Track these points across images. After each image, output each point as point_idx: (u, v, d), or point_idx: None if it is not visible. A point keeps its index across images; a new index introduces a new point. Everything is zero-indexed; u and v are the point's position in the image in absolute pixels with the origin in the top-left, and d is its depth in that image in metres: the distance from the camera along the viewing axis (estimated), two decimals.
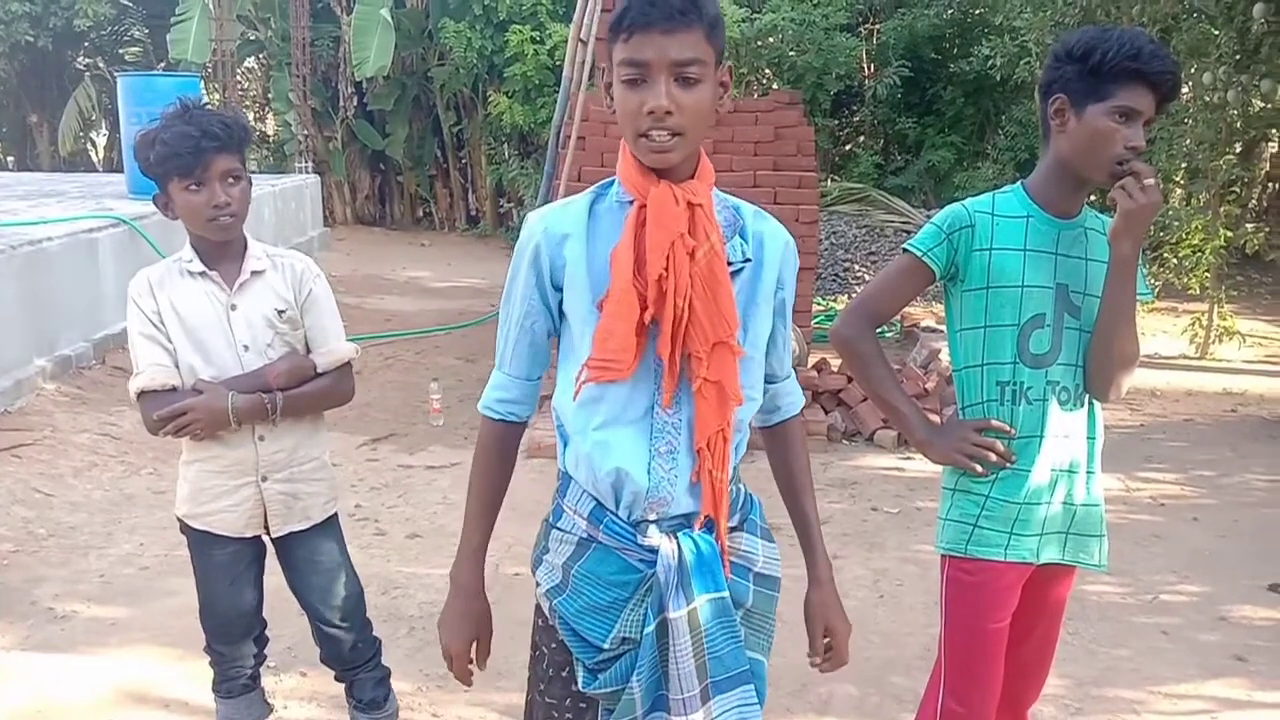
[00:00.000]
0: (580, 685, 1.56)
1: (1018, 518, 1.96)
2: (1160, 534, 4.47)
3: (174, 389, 2.17)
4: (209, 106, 2.20)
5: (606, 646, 1.54)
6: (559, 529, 1.60)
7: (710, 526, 1.55)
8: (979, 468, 1.95)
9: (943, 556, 2.04)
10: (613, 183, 1.56)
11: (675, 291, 1.44)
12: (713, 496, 1.53)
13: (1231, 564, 4.17)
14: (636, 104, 1.42)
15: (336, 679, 2.53)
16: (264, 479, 2.26)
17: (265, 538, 2.37)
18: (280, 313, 2.24)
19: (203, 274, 2.21)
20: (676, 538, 1.53)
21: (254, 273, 2.24)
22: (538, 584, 1.63)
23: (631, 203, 1.50)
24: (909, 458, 5.38)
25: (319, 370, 2.28)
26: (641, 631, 1.52)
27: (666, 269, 1.44)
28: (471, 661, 1.68)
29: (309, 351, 2.30)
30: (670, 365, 1.48)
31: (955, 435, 1.98)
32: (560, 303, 1.55)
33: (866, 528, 4.46)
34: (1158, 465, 5.45)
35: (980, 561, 1.97)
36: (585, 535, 1.56)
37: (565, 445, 1.60)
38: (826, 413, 5.80)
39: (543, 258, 1.53)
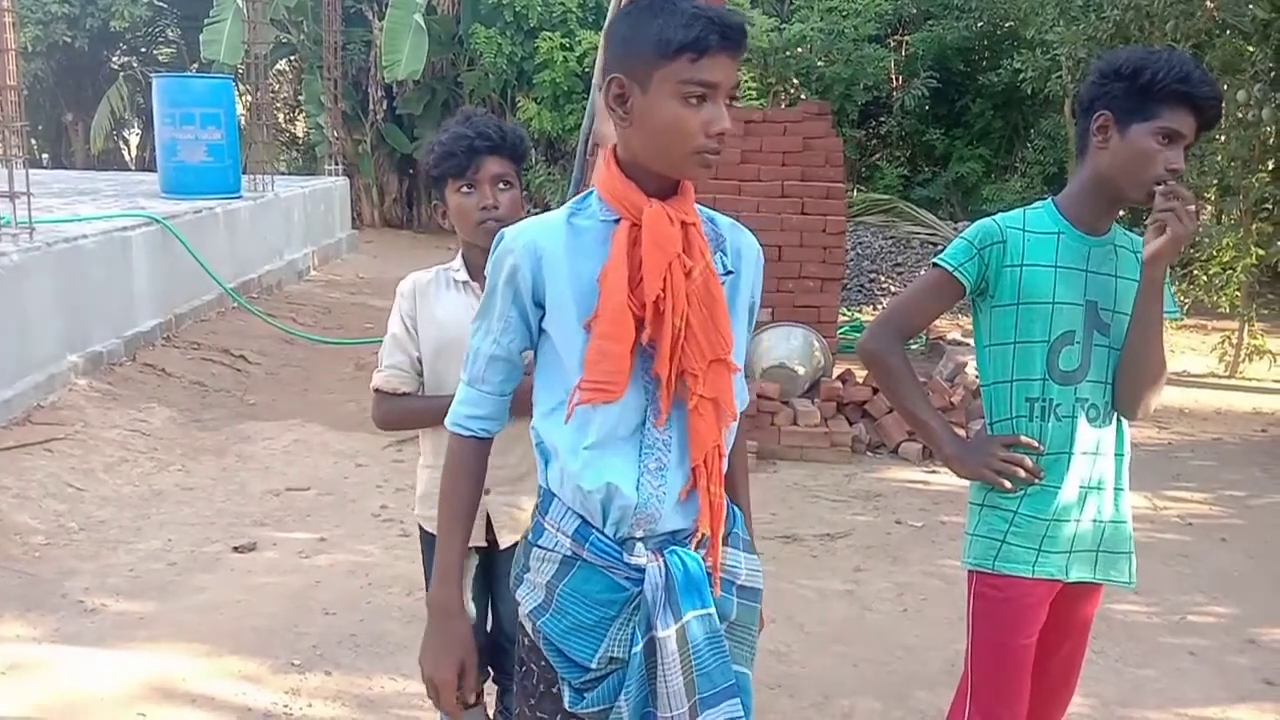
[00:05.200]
0: (567, 705, 1.55)
1: (1046, 534, 1.95)
2: (1188, 554, 4.42)
3: (405, 395, 2.23)
4: (490, 114, 2.23)
5: (594, 666, 1.52)
6: (540, 547, 1.58)
7: (702, 543, 1.55)
8: (1008, 484, 1.95)
9: (970, 572, 2.04)
10: (589, 196, 1.54)
11: (673, 311, 1.45)
12: (709, 513, 1.53)
13: (1261, 586, 4.12)
14: (700, 124, 1.43)
15: (494, 681, 2.47)
16: (487, 491, 2.25)
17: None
18: None
19: (465, 284, 2.23)
20: (663, 556, 1.52)
21: None
22: (519, 603, 1.60)
23: (617, 221, 1.49)
24: (934, 471, 5.36)
25: None
26: (629, 651, 1.51)
27: (664, 290, 1.44)
28: (460, 692, 1.61)
29: None
30: (666, 384, 1.48)
31: (984, 451, 1.98)
32: (541, 319, 1.54)
33: (890, 541, 4.45)
34: (1186, 484, 5.39)
35: (1008, 578, 1.97)
36: (569, 553, 1.54)
37: (546, 463, 1.57)
38: (851, 424, 5.79)
39: (521, 275, 1.51)
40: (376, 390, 2.26)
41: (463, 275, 2.24)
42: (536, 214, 1.61)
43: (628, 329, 1.45)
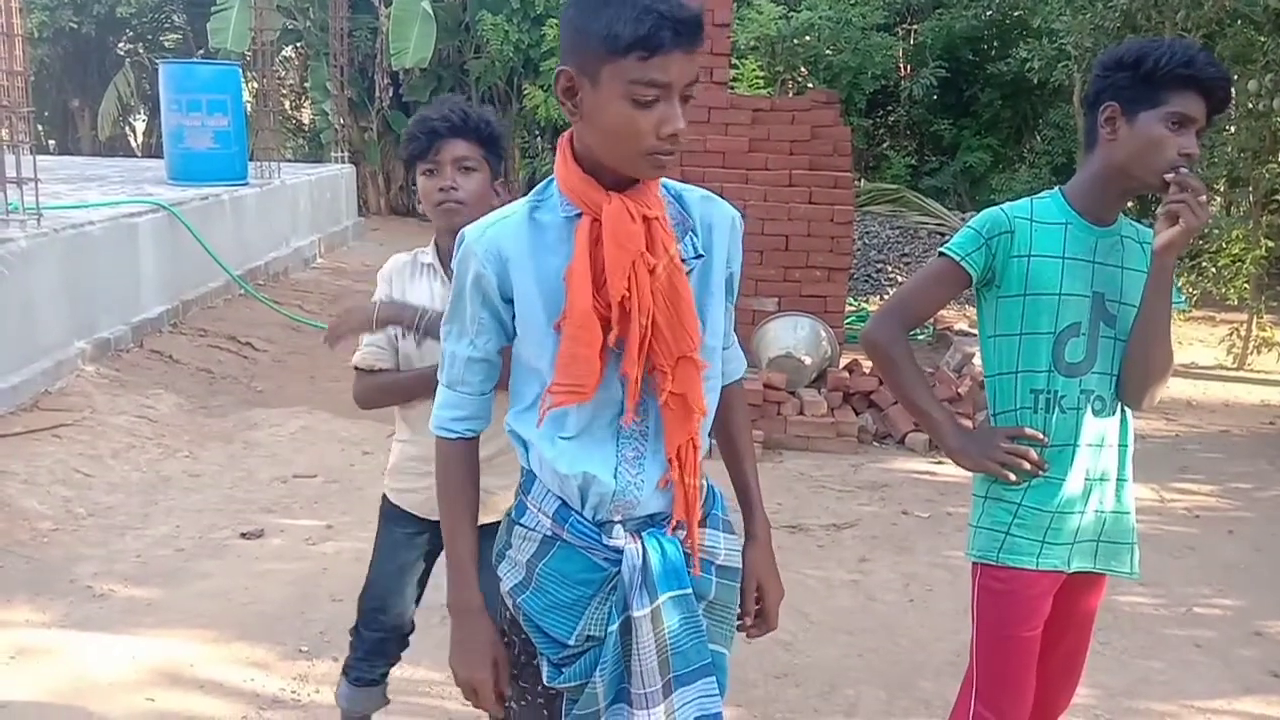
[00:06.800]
0: (545, 679, 1.57)
1: (1050, 526, 1.95)
2: (1194, 546, 4.42)
3: (381, 371, 2.26)
4: (463, 100, 2.26)
5: (571, 643, 1.54)
6: (522, 525, 1.59)
7: (680, 527, 1.56)
8: (1012, 476, 1.94)
9: (974, 564, 2.03)
10: (549, 185, 1.51)
11: (639, 311, 1.43)
12: (685, 503, 1.54)
13: (1267, 579, 4.11)
14: (651, 125, 1.37)
15: None
16: None
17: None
18: None
19: (430, 268, 2.25)
20: (641, 538, 1.53)
21: None
22: (500, 580, 1.62)
23: (578, 216, 1.46)
24: (940, 462, 5.35)
25: None
26: (606, 629, 1.53)
27: (629, 290, 1.42)
28: (496, 687, 1.61)
29: None
30: (634, 382, 1.47)
31: (988, 443, 1.97)
32: (513, 316, 1.52)
33: (896, 531, 4.45)
34: (1193, 476, 5.38)
35: (1012, 570, 1.96)
36: (549, 533, 1.56)
37: (526, 449, 1.58)
38: (857, 414, 5.79)
39: (486, 280, 1.49)
40: (355, 368, 2.29)
41: (428, 259, 2.26)
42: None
43: (595, 332, 1.43)
